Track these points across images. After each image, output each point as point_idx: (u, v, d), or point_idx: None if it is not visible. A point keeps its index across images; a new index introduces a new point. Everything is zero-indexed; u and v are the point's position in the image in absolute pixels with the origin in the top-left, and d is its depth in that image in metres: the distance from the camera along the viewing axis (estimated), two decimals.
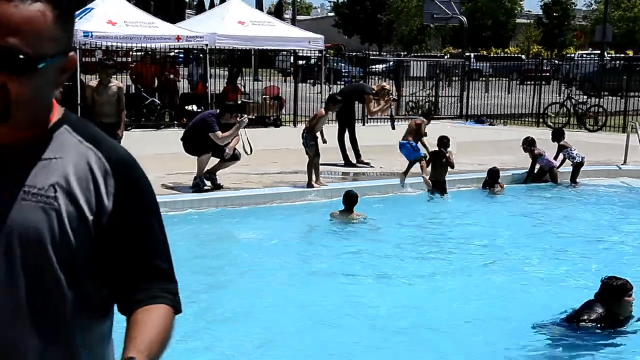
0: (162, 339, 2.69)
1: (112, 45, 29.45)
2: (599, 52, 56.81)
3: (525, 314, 11.57)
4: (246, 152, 18.00)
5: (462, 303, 12.42)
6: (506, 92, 39.80)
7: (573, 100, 33.22)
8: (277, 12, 69.74)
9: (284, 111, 30.69)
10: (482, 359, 10.51)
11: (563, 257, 14.70)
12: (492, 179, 19.09)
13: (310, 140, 17.48)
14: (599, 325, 10.43)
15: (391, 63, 40.51)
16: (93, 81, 19.61)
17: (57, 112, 2.62)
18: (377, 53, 66.51)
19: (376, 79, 37.70)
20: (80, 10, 27.59)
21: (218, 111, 18.19)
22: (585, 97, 34.91)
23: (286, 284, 13.33)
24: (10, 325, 2.50)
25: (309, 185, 17.85)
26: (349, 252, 14.46)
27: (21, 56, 2.34)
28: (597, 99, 33.41)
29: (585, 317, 10.40)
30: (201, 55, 32.18)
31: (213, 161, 17.78)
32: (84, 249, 2.59)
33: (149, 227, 2.74)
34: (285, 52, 38.53)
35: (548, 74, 44.51)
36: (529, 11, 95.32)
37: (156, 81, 30.29)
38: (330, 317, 11.60)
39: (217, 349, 10.38)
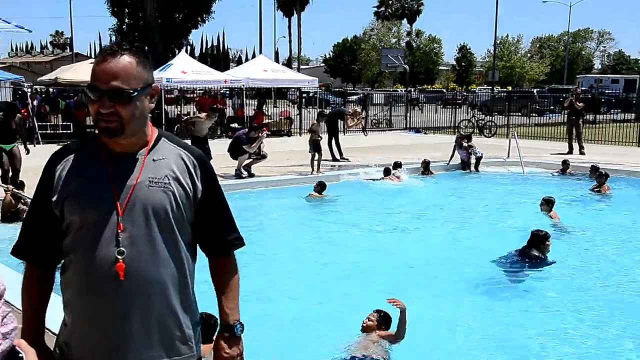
0: (237, 291, 2.92)
1: (184, 87, 29.48)
2: (490, 87, 56.86)
3: (470, 255, 11.06)
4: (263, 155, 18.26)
5: (423, 249, 11.88)
6: (434, 113, 39.88)
7: (475, 118, 33.33)
8: (288, 63, 69.04)
9: (292, 126, 30.80)
10: (442, 290, 9.55)
11: (480, 217, 14.37)
12: (425, 168, 19.02)
13: (311, 145, 17.68)
14: (535, 261, 10.11)
15: (361, 95, 40.65)
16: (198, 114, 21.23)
17: (154, 130, 2.74)
18: (352, 89, 66.23)
19: (352, 105, 37.78)
20: (165, 65, 28.02)
21: (247, 130, 18.36)
22: (483, 115, 35.12)
23: (294, 231, 13.41)
24: (155, 264, 2.60)
25: (312, 173, 17.77)
26: (327, 212, 14.58)
27: (122, 91, 2.51)
28: (490, 117, 33.65)
29: (529, 255, 10.13)
30: (239, 91, 32.00)
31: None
32: (189, 215, 2.72)
33: (222, 198, 2.90)
34: (293, 89, 38.32)
35: (460, 101, 44.66)
36: (447, 62, 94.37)
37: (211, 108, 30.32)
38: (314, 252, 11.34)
39: None
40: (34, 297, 2.75)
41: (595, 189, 16.41)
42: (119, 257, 2.53)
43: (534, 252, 10.14)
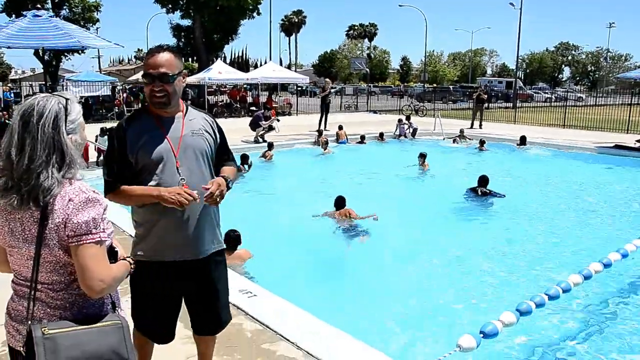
0: (235, 173, 3.02)
1: (219, 82, 29.15)
2: (422, 84, 56.47)
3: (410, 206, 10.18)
4: (277, 130, 17.94)
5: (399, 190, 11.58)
6: (386, 100, 39.67)
7: (413, 103, 33.13)
8: (288, 67, 68.11)
9: (292, 109, 30.47)
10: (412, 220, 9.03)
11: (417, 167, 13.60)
12: (380, 137, 18.80)
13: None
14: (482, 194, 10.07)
15: (337, 88, 40.14)
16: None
17: (183, 102, 2.85)
18: (331, 84, 65.59)
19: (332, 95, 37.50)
20: (207, 68, 28.04)
21: (263, 111, 18.14)
22: (418, 102, 34.89)
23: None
24: (196, 176, 2.76)
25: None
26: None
27: (167, 75, 2.64)
28: (422, 103, 33.42)
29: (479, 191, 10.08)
30: (256, 86, 31.66)
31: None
32: (213, 152, 2.89)
33: (226, 141, 3.04)
34: (292, 84, 37.84)
35: (402, 93, 44.55)
36: (394, 67, 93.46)
37: (238, 97, 29.91)
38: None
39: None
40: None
41: (479, 148, 17.11)
42: (182, 181, 2.69)
43: (482, 188, 10.08)
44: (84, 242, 1.87)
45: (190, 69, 57.76)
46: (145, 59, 2.73)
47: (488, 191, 10.17)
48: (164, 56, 2.66)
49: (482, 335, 3.73)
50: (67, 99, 1.97)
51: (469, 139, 18.79)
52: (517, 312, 4.14)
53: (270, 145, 14.80)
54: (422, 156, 13.28)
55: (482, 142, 17.20)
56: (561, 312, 5.32)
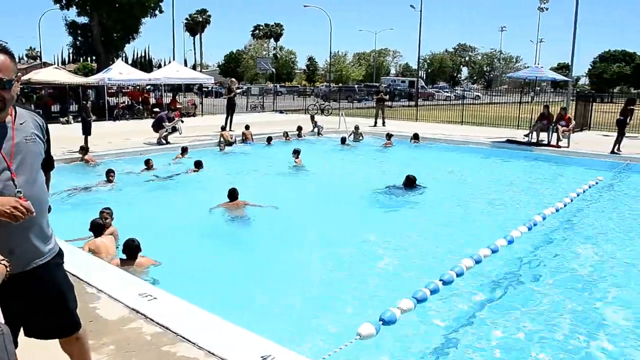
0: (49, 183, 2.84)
1: (120, 84, 27.98)
2: (328, 84, 57.33)
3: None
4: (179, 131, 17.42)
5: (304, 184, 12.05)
6: (292, 100, 39.86)
7: (319, 103, 33.53)
8: (193, 68, 66.88)
9: (197, 110, 29.81)
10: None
11: (323, 161, 14.47)
12: (299, 131, 19.24)
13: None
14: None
15: (244, 88, 39.85)
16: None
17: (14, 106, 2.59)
18: (238, 84, 65.01)
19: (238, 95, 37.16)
20: (106, 69, 26.88)
21: (167, 112, 17.73)
22: (323, 101, 35.33)
23: None
24: (39, 191, 2.60)
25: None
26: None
27: (3, 81, 2.41)
28: (328, 102, 33.90)
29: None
30: (160, 86, 30.73)
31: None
32: (43, 154, 2.68)
33: (50, 147, 2.78)
34: (196, 84, 37.03)
35: (309, 92, 44.84)
36: (300, 67, 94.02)
37: (140, 98, 28.87)
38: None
39: None
40: None
41: (386, 144, 17.74)
42: (19, 194, 2.46)
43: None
44: None
45: (89, 69, 55.30)
46: None
47: (415, 186, 10.75)
48: (1, 59, 2.45)
49: (381, 322, 3.86)
50: None
51: (361, 137, 19.26)
52: (414, 299, 4.33)
53: (184, 150, 14.57)
54: (296, 152, 13.66)
55: (389, 136, 17.80)
56: (456, 296, 5.60)
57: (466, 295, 5.72)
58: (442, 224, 8.79)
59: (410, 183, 10.76)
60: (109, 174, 10.76)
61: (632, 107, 16.29)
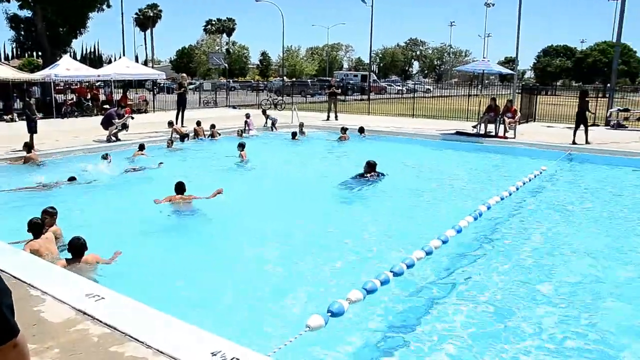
0: None
1: (67, 80, 27.12)
2: (281, 78, 57.07)
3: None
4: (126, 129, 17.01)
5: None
6: (245, 95, 39.50)
7: (272, 98, 33.42)
8: (145, 64, 65.46)
9: (148, 106, 29.16)
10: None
11: (279, 153, 14.16)
12: (274, 123, 19.60)
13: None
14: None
15: (196, 83, 39.21)
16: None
17: None
18: (190, 80, 64.04)
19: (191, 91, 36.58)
20: (53, 64, 26.00)
21: (116, 109, 17.30)
22: (277, 96, 35.20)
23: None
24: None
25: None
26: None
27: None
28: (282, 97, 33.77)
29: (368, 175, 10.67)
30: (110, 82, 29.92)
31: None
32: None
33: None
34: (148, 80, 36.21)
35: (262, 87, 44.55)
36: (254, 62, 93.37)
37: (89, 95, 28.02)
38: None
39: None
40: None
41: (341, 138, 17.76)
42: None
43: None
44: None
45: (34, 65, 53.23)
46: None
47: (376, 174, 10.86)
48: None
49: (329, 314, 3.89)
50: None
51: (304, 135, 19.13)
52: (364, 290, 4.39)
53: (142, 146, 14.31)
54: (241, 146, 13.62)
55: (344, 130, 17.85)
56: (407, 287, 5.66)
57: (418, 286, 5.78)
58: (395, 215, 8.88)
59: (371, 168, 10.86)
60: (72, 179, 10.50)
61: (587, 98, 16.78)
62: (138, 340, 3.81)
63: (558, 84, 72.88)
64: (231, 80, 55.47)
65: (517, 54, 25.62)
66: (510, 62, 63.44)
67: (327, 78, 58.76)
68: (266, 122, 20.42)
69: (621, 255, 7.00)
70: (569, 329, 4.91)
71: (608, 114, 22.14)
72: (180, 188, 8.77)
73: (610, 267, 6.52)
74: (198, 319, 4.22)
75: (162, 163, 12.54)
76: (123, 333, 3.92)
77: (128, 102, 25.63)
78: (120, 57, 38.31)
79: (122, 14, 38.32)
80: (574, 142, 15.72)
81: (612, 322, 5.07)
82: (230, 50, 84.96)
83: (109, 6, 31.81)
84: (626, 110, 23.72)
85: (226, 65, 46.05)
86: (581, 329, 4.91)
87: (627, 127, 21.07)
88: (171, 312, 4.21)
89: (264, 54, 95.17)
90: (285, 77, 64.34)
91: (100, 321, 4.10)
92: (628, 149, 15.02)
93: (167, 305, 4.45)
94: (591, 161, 14.09)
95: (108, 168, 12.04)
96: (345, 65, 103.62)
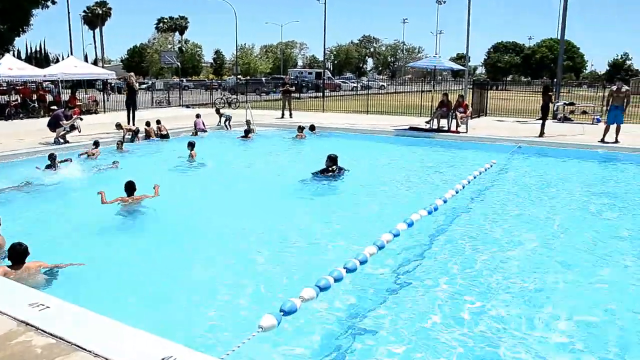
0: None
1: (10, 80, 26.05)
2: (236, 77, 56.56)
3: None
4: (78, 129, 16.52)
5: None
6: (199, 94, 39.09)
7: (226, 96, 33.07)
8: (95, 63, 63.81)
9: (98, 107, 28.42)
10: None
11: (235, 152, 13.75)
12: (228, 120, 19.50)
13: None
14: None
15: (149, 83, 38.43)
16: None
17: None
18: (142, 79, 62.71)
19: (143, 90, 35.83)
20: None
21: (64, 110, 16.71)
22: (231, 95, 34.88)
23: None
24: None
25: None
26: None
27: None
28: (236, 95, 33.49)
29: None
30: (57, 83, 29.00)
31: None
32: None
33: None
34: (99, 80, 35.28)
35: (216, 86, 44.21)
36: (207, 61, 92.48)
37: (34, 96, 27.04)
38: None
39: None
40: None
41: (297, 136, 17.59)
42: None
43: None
44: None
45: None
46: None
47: (338, 168, 10.84)
48: None
49: (282, 313, 3.84)
50: None
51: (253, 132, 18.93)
52: (317, 288, 4.35)
53: (96, 143, 14.25)
54: (191, 145, 13.53)
55: (300, 129, 17.76)
56: (362, 282, 5.67)
57: (372, 281, 5.79)
58: (348, 211, 8.87)
59: (332, 162, 10.85)
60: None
61: (550, 93, 17.26)
62: (85, 350, 3.68)
63: (508, 79, 74.87)
64: (184, 79, 54.81)
65: (467, 50, 26.15)
66: (461, 58, 64.74)
67: (282, 76, 58.68)
68: (220, 121, 20.21)
69: (570, 239, 7.33)
70: (523, 313, 5.01)
71: (555, 108, 22.86)
72: (130, 188, 8.52)
73: (561, 252, 6.77)
74: (148, 324, 4.11)
75: (117, 162, 12.33)
76: (69, 343, 3.78)
77: (77, 103, 24.92)
78: (68, 57, 37.10)
79: (68, 11, 37.34)
80: (542, 134, 16.35)
81: (565, 304, 5.24)
82: (183, 48, 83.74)
83: (53, 3, 30.99)
84: (572, 104, 24.60)
85: (179, 64, 45.49)
86: (536, 314, 5.01)
87: (572, 120, 21.82)
88: (120, 318, 4.08)
89: (217, 52, 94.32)
90: (239, 76, 63.85)
91: (45, 331, 3.94)
92: (575, 141, 15.60)
93: (116, 311, 4.33)
94: (541, 153, 14.51)
95: (61, 170, 11.61)
96: (300, 63, 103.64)
